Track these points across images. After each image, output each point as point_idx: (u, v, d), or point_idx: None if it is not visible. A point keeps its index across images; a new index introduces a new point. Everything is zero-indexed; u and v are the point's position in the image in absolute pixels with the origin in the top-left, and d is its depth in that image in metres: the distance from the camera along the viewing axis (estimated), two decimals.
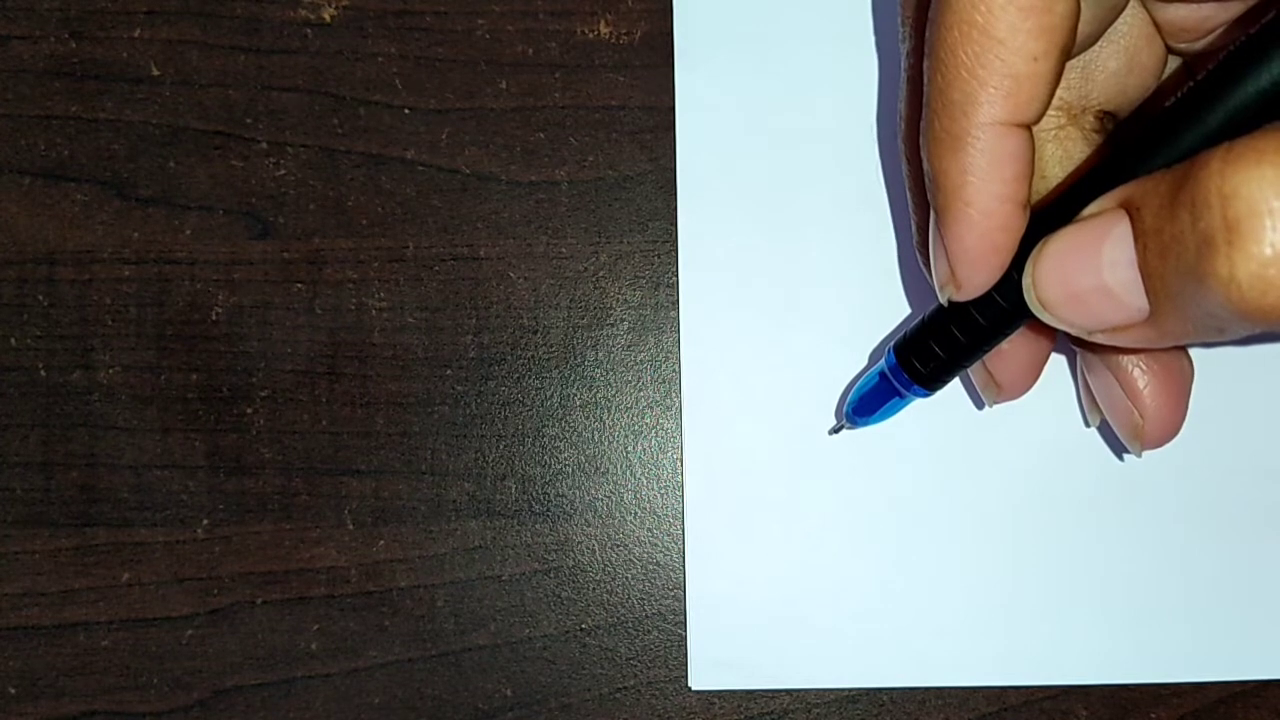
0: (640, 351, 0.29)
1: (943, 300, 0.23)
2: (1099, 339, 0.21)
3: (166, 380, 0.29)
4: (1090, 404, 0.26)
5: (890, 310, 0.28)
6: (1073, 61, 0.23)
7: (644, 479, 0.29)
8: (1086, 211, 0.20)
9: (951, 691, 0.28)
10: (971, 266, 0.21)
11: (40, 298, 0.29)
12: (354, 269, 0.29)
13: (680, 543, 0.29)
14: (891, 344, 0.25)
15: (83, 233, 0.29)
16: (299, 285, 0.29)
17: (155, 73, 0.29)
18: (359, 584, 0.29)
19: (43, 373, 0.29)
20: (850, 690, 0.28)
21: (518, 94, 0.29)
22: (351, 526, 0.29)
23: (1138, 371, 0.24)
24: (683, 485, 0.28)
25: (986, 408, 0.27)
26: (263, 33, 0.29)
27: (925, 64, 0.21)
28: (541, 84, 0.29)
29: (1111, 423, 0.25)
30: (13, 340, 0.29)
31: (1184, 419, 0.24)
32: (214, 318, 0.29)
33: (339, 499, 0.29)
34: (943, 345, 0.24)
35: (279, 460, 0.29)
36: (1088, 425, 0.27)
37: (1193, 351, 0.25)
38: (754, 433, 0.28)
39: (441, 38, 0.29)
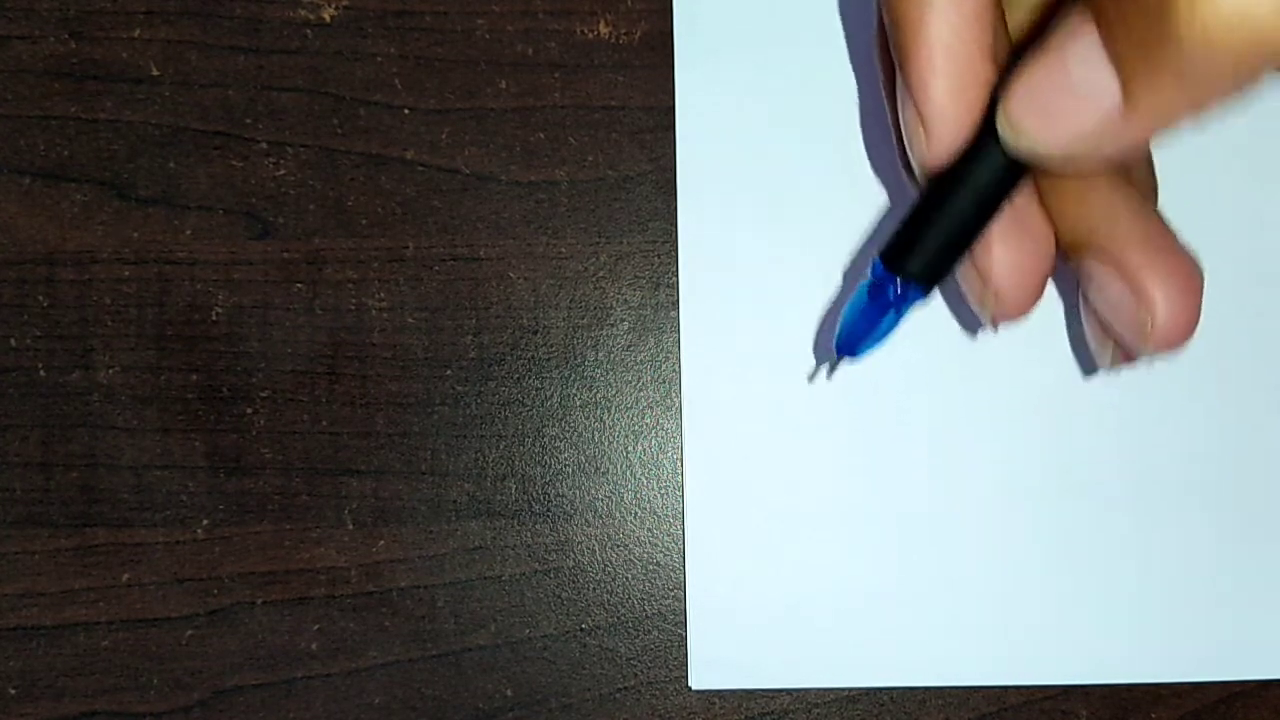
0: (640, 351, 0.29)
1: (917, 165, 0.21)
2: (1082, 165, 0.19)
3: (166, 380, 0.29)
4: (1097, 333, 0.24)
5: None
6: None
7: (644, 479, 0.29)
8: (1055, 25, 0.18)
9: (951, 691, 0.28)
10: (942, 114, 0.20)
11: (40, 298, 0.29)
12: (354, 269, 0.29)
13: (680, 543, 0.29)
14: (873, 256, 0.23)
15: (82, 233, 0.29)
16: (299, 285, 0.29)
17: (155, 73, 0.29)
18: (359, 584, 0.29)
19: (42, 373, 0.29)
20: (851, 690, 0.28)
21: (517, 94, 0.29)
22: (351, 527, 0.29)
23: (1143, 261, 0.22)
24: (683, 485, 0.28)
25: (983, 334, 0.25)
26: (262, 33, 0.29)
27: None
28: (541, 84, 0.29)
29: (1117, 325, 0.22)
30: (12, 340, 0.29)
31: (1197, 319, 0.22)
32: (214, 318, 0.29)
33: (339, 499, 0.29)
34: (933, 231, 0.21)
35: (279, 460, 0.29)
36: (1093, 371, 0.25)
37: (1196, 340, 0.24)
38: (754, 433, 0.28)
39: (441, 38, 0.29)
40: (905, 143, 0.21)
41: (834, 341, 0.24)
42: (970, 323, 0.28)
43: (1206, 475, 0.28)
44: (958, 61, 0.20)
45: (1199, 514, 0.28)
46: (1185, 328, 0.22)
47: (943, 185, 0.21)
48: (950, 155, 0.21)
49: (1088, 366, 0.28)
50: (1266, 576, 0.28)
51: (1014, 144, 0.19)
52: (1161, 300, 0.21)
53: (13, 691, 0.29)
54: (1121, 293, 0.22)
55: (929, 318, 0.28)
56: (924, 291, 0.22)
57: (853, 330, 0.23)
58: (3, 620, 0.29)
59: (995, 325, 0.23)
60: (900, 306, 0.22)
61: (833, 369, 0.26)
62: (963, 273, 0.23)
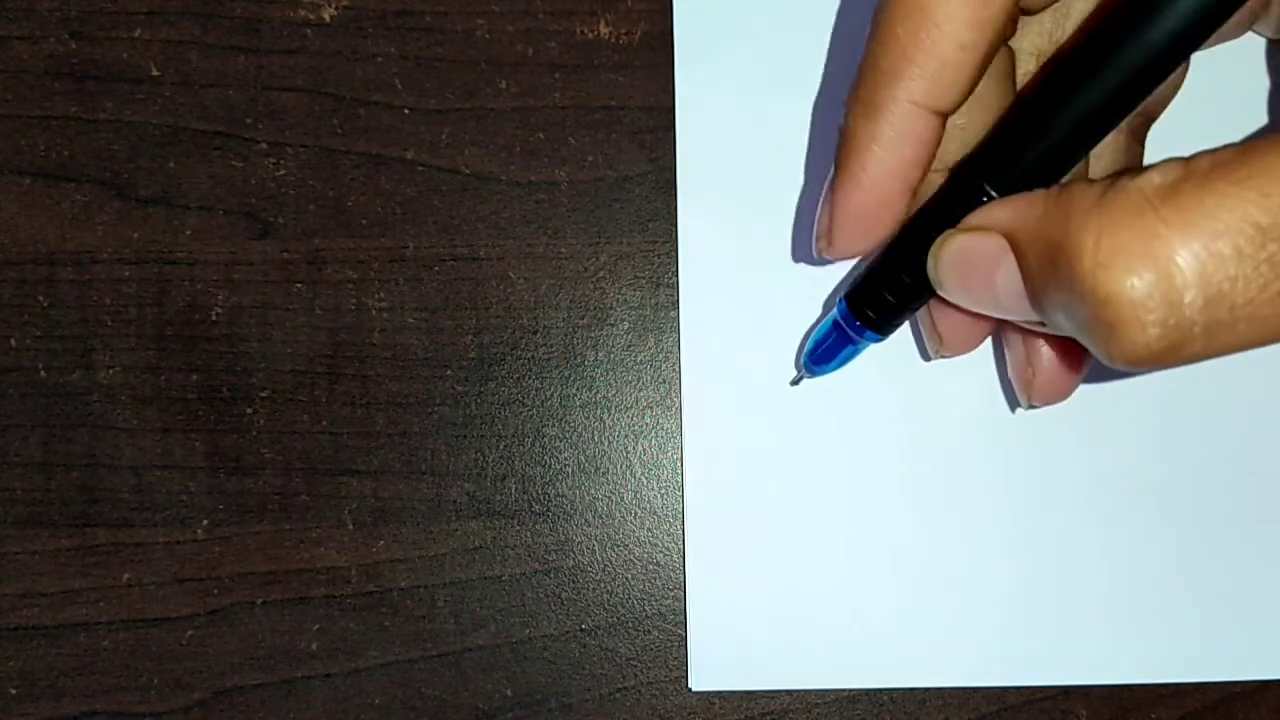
0: (640, 351, 0.29)
1: (815, 253, 0.24)
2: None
3: (166, 380, 0.29)
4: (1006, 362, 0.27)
5: None
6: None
7: (644, 479, 0.29)
8: (974, 221, 0.21)
9: (952, 691, 0.28)
10: (849, 231, 0.23)
11: (40, 298, 0.29)
12: (354, 269, 0.29)
13: (680, 543, 0.29)
14: (843, 293, 0.26)
15: (83, 233, 0.29)
16: (299, 285, 0.29)
17: (155, 73, 0.29)
18: (359, 584, 0.29)
19: (43, 373, 0.29)
20: (850, 690, 0.28)
21: (518, 94, 0.29)
22: (351, 527, 0.29)
23: (1039, 340, 0.25)
24: (683, 485, 0.28)
25: (933, 360, 0.28)
26: (263, 33, 0.29)
27: (868, 33, 0.22)
28: (541, 84, 0.29)
29: (1011, 374, 0.26)
30: (13, 341, 0.29)
31: (1076, 385, 0.25)
32: (214, 318, 0.29)
33: (339, 499, 0.29)
34: (891, 291, 0.24)
35: (279, 460, 0.29)
36: (1012, 410, 0.28)
37: None
38: (754, 433, 0.28)
39: (441, 38, 0.29)
40: (815, 221, 0.24)
41: (802, 358, 0.27)
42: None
43: (1207, 476, 0.28)
44: (880, 192, 0.22)
45: (1199, 515, 0.28)
46: (1061, 392, 0.25)
47: (897, 254, 0.24)
48: (842, 258, 0.24)
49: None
50: (1266, 577, 0.28)
51: (933, 282, 0.23)
52: (1043, 365, 0.25)
53: (13, 691, 0.29)
54: (1016, 351, 0.25)
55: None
56: (881, 338, 0.25)
57: (817, 354, 0.27)
58: (3, 620, 0.29)
59: (936, 357, 0.27)
60: (858, 344, 0.26)
61: (797, 380, 0.28)
62: (917, 315, 0.26)
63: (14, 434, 0.29)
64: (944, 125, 0.22)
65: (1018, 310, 0.21)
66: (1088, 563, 0.28)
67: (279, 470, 0.29)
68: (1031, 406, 0.26)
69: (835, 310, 0.26)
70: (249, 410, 0.29)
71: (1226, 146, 0.18)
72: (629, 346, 0.29)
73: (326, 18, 0.29)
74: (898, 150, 0.22)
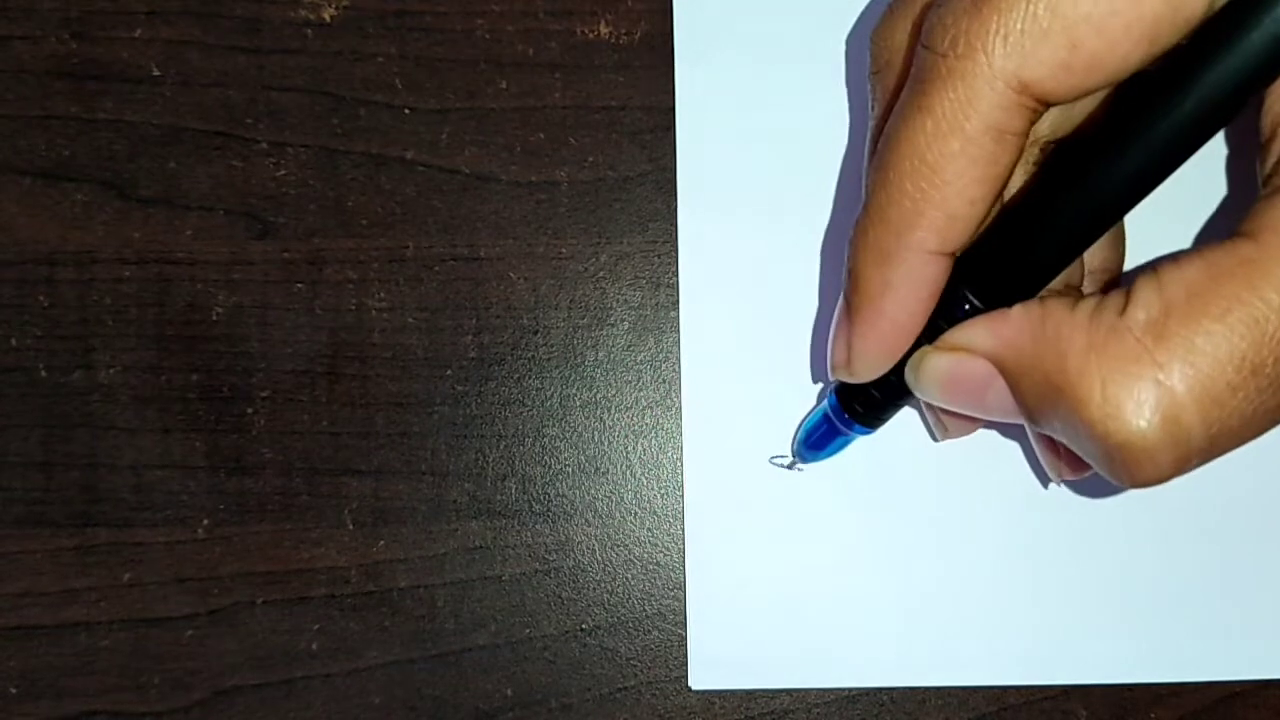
0: (640, 351, 0.29)
1: (832, 379, 0.25)
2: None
3: (167, 380, 0.29)
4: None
5: None
6: None
7: (644, 479, 0.29)
8: (956, 341, 0.22)
9: (952, 691, 0.28)
10: (869, 363, 0.23)
11: (40, 298, 0.29)
12: (354, 269, 0.29)
13: (680, 543, 0.29)
14: (832, 386, 0.26)
15: (83, 233, 0.29)
16: (299, 285, 0.29)
17: (155, 73, 0.29)
18: (359, 584, 0.29)
19: (43, 373, 0.29)
20: (850, 690, 0.28)
21: (518, 94, 0.29)
22: (352, 527, 0.29)
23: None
24: (683, 485, 0.28)
25: (939, 442, 0.28)
26: (263, 33, 0.29)
27: (872, 173, 0.22)
28: (541, 84, 0.29)
29: (1038, 455, 0.26)
30: (13, 340, 0.29)
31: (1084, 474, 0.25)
32: (214, 318, 0.29)
33: (339, 499, 0.29)
34: (878, 389, 0.25)
35: (279, 460, 0.29)
36: (1045, 486, 0.28)
37: None
38: (754, 433, 0.28)
39: (441, 38, 0.29)
40: (829, 347, 0.24)
41: (795, 446, 0.28)
42: None
43: (1206, 476, 0.28)
44: (900, 331, 0.23)
45: (1198, 514, 0.28)
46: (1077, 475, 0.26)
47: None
48: (862, 383, 0.24)
49: None
50: (1266, 577, 0.28)
51: (914, 392, 0.23)
52: (1072, 458, 0.25)
53: (13, 691, 0.29)
54: (1044, 444, 0.26)
55: None
56: (870, 430, 0.26)
57: (809, 442, 0.27)
58: (3, 620, 0.29)
59: (942, 441, 0.27)
60: (849, 435, 0.26)
61: (792, 465, 0.28)
62: (922, 405, 0.27)
63: (14, 434, 0.29)
64: (953, 259, 0.22)
65: (1011, 420, 0.22)
66: (1087, 562, 0.28)
67: (279, 470, 0.29)
68: (1065, 482, 0.26)
69: (826, 402, 0.26)
70: (249, 410, 0.29)
71: (1188, 259, 0.20)
72: (629, 346, 0.29)
73: (327, 17, 0.29)
74: (912, 293, 0.22)
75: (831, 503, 0.28)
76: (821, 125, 0.28)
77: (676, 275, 0.29)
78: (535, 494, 0.29)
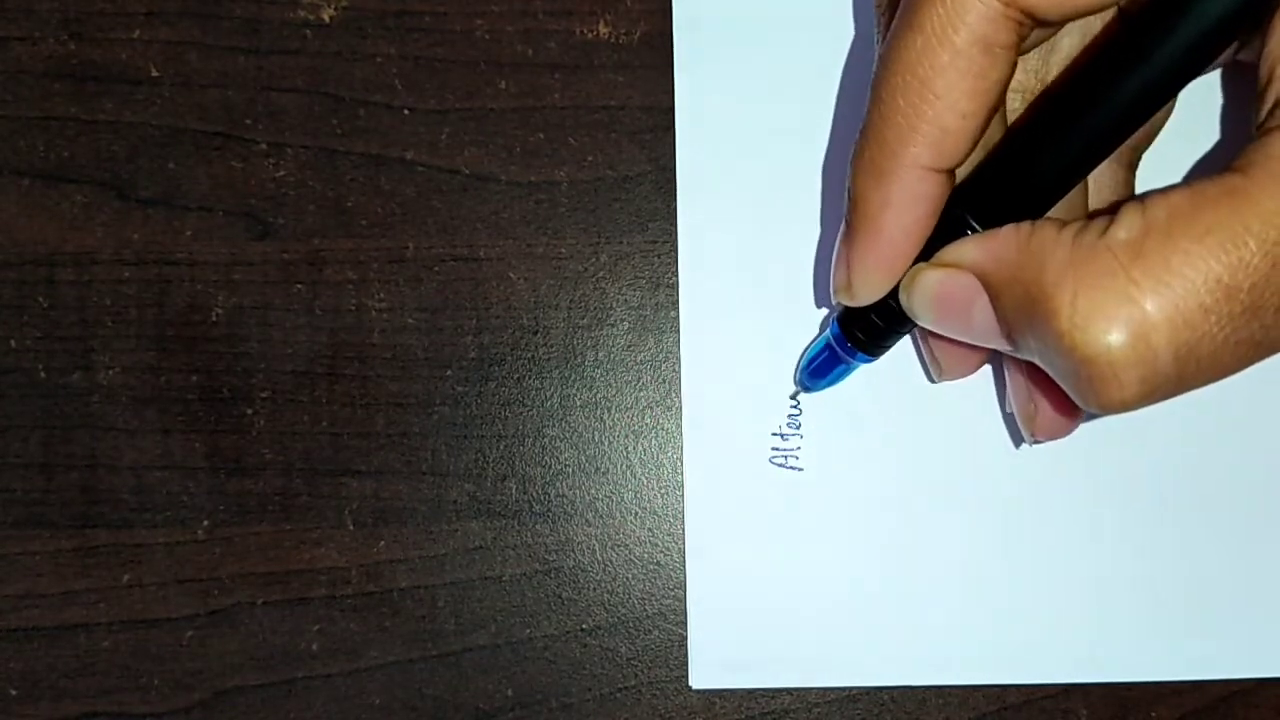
0: (640, 351, 0.29)
1: (833, 302, 0.25)
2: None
3: (167, 381, 0.29)
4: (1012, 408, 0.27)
5: None
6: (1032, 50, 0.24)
7: (644, 479, 0.29)
8: (947, 257, 0.22)
9: (952, 690, 0.28)
10: (868, 284, 0.24)
11: (40, 299, 0.29)
12: (354, 270, 0.29)
13: (680, 542, 0.29)
14: (834, 314, 0.26)
15: (82, 234, 0.29)
16: (299, 286, 0.29)
17: (155, 74, 0.29)
18: (359, 585, 0.29)
19: (43, 374, 0.29)
20: (851, 689, 0.28)
21: (517, 94, 0.29)
22: (352, 527, 0.29)
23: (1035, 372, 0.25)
24: (683, 485, 0.28)
25: (936, 383, 0.28)
26: (262, 34, 0.29)
27: (869, 96, 0.22)
28: (541, 84, 0.29)
29: (1014, 408, 0.26)
30: (13, 342, 0.29)
31: (1078, 422, 0.25)
32: (214, 319, 0.29)
33: (339, 500, 0.29)
34: (878, 315, 0.25)
35: (279, 461, 0.29)
36: (1016, 446, 0.28)
37: None
38: (754, 432, 0.28)
39: (441, 38, 0.29)
40: (831, 271, 0.24)
41: (798, 375, 0.28)
42: None
43: (1206, 475, 0.28)
44: (897, 249, 0.23)
45: (1198, 514, 0.28)
46: (1064, 428, 0.25)
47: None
48: (864, 305, 0.24)
49: None
50: (1266, 576, 0.28)
51: (908, 313, 0.24)
52: (1045, 405, 0.25)
53: (14, 692, 0.29)
54: (1019, 386, 0.25)
55: None
56: (872, 358, 0.26)
57: (811, 371, 0.27)
58: (4, 621, 0.29)
59: (938, 382, 0.27)
60: (850, 364, 0.27)
61: (795, 394, 0.28)
62: (918, 339, 0.27)
63: (14, 435, 0.29)
64: (953, 178, 0.22)
65: (994, 343, 0.22)
66: (1088, 562, 0.28)
67: (279, 471, 0.29)
68: (1035, 442, 0.26)
69: (828, 330, 0.26)
70: (249, 411, 0.29)
71: (1175, 188, 0.20)
72: (629, 346, 0.29)
73: (326, 18, 0.29)
74: (910, 210, 0.22)
75: (831, 503, 0.28)
76: (821, 124, 0.28)
77: (676, 275, 0.29)
78: (535, 494, 0.29)
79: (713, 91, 0.28)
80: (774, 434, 0.28)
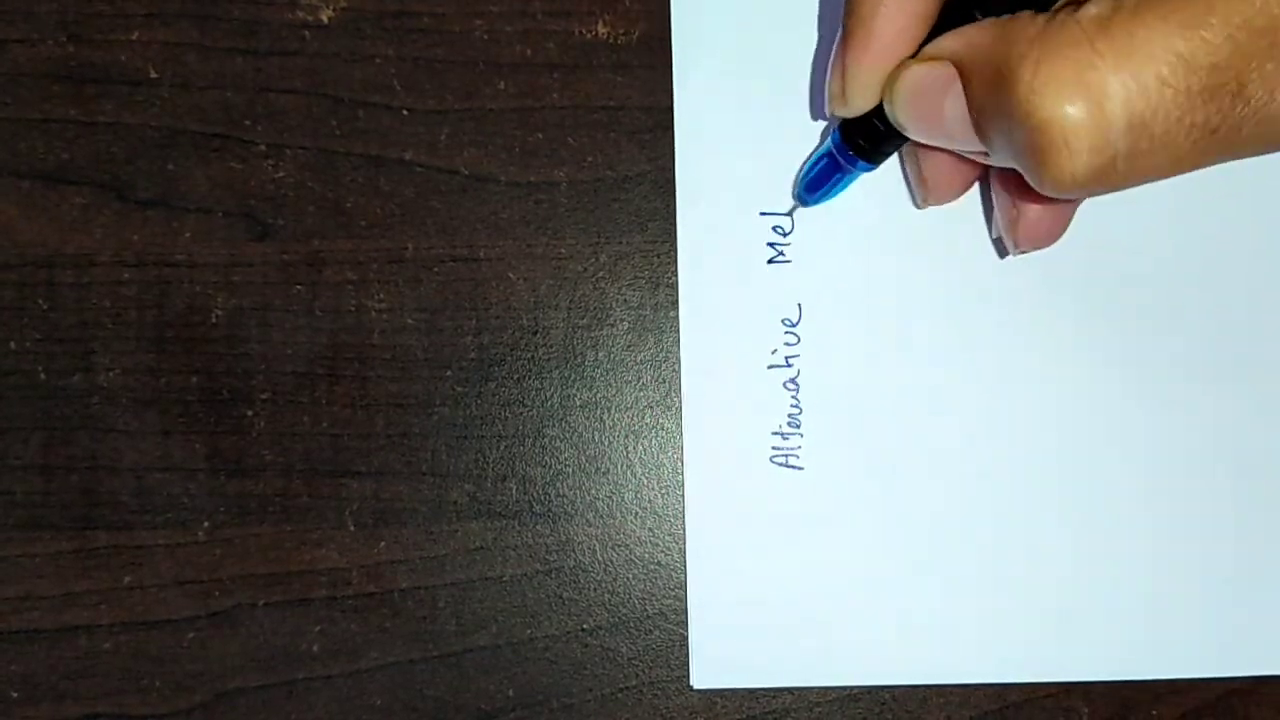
0: (640, 351, 0.29)
1: (829, 113, 0.25)
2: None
3: (167, 383, 0.29)
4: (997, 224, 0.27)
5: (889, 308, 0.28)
6: None
7: (644, 479, 0.29)
8: (929, 51, 0.22)
9: (953, 689, 0.28)
10: (863, 89, 0.24)
11: (40, 301, 0.29)
12: (353, 270, 0.29)
13: (681, 542, 0.29)
14: (835, 125, 0.26)
15: (82, 236, 0.29)
16: (298, 287, 0.29)
17: (154, 75, 0.29)
18: (360, 585, 0.29)
19: (43, 376, 0.29)
20: (852, 688, 0.28)
21: (516, 94, 0.29)
22: (352, 528, 0.29)
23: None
24: (683, 485, 0.28)
25: (920, 210, 0.28)
26: (261, 35, 0.29)
27: None
28: (540, 84, 0.29)
29: (1000, 223, 0.26)
30: (13, 343, 0.29)
31: (1061, 229, 0.26)
32: (214, 320, 0.29)
33: (340, 500, 0.29)
34: (879, 118, 0.24)
35: (279, 462, 0.29)
36: (1001, 256, 0.28)
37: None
38: (754, 433, 0.28)
39: (439, 39, 0.29)
40: (825, 86, 0.25)
41: (797, 187, 0.28)
42: (972, 305, 0.28)
43: (1207, 475, 0.28)
44: (890, 53, 0.23)
45: (1199, 513, 0.28)
46: (1046, 235, 0.26)
47: None
48: (856, 115, 0.25)
49: (1087, 366, 0.28)
50: (1266, 575, 0.28)
51: (890, 115, 0.24)
52: (1029, 207, 0.25)
53: (14, 694, 0.29)
54: (1003, 198, 0.26)
55: (931, 314, 0.28)
56: (873, 166, 0.26)
57: (811, 183, 0.27)
58: (4, 623, 0.29)
59: (923, 206, 0.28)
60: (850, 173, 0.26)
61: (792, 210, 0.28)
62: (906, 159, 0.27)
63: (14, 436, 0.29)
64: None
65: (965, 140, 0.22)
66: (1088, 560, 0.28)
67: (279, 472, 0.29)
68: (1020, 252, 0.26)
69: (829, 140, 0.26)
70: (249, 412, 0.29)
71: None
72: (629, 346, 0.29)
73: (324, 19, 0.29)
74: (902, 9, 0.22)
75: (831, 503, 0.28)
76: (820, 124, 0.28)
77: (676, 275, 0.29)
78: (536, 494, 0.29)
79: (712, 91, 0.28)
80: (774, 433, 0.28)
